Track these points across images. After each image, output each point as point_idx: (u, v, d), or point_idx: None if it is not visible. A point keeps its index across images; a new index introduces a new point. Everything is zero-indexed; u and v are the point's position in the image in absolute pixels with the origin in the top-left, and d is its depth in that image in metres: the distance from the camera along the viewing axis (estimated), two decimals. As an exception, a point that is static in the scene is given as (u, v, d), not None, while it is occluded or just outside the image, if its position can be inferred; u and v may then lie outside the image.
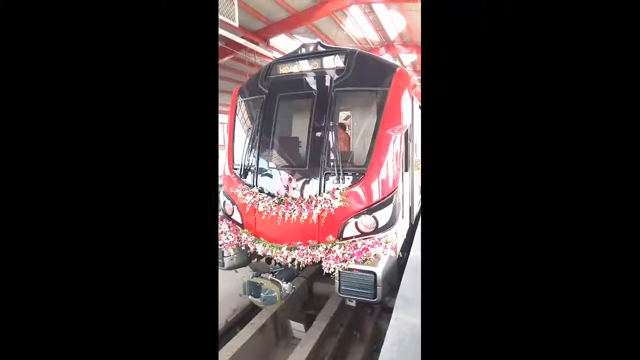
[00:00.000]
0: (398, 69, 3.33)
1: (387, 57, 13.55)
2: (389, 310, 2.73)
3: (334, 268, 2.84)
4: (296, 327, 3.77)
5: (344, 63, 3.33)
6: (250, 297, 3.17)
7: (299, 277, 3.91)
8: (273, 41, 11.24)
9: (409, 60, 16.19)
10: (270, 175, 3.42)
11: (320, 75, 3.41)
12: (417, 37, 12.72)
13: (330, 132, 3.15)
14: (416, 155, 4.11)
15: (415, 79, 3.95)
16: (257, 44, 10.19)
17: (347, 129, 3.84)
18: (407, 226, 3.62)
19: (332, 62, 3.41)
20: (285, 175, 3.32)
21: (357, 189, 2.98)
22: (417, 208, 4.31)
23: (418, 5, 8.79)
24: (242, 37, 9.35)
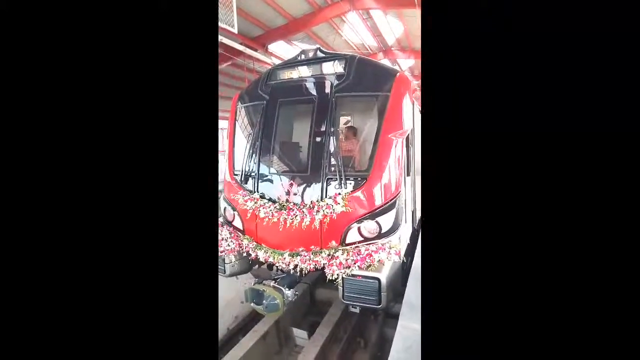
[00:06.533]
0: (398, 73, 3.34)
1: (385, 62, 13.64)
2: (394, 317, 2.69)
3: (337, 274, 2.81)
4: (299, 334, 3.73)
5: (344, 69, 3.34)
6: (252, 304, 3.13)
7: (301, 283, 3.87)
8: (271, 47, 11.31)
9: (407, 65, 16.31)
10: (271, 181, 3.40)
11: (320, 81, 3.41)
12: (415, 42, 12.82)
13: (331, 137, 3.14)
14: (418, 160, 4.10)
15: (415, 84, 3.96)
16: (255, 50, 10.25)
17: (356, 134, 3.74)
18: (410, 231, 3.60)
19: (332, 68, 3.42)
20: (286, 180, 3.31)
21: (360, 193, 2.96)
22: (419, 212, 4.29)
23: (415, 11, 8.89)
24: (241, 44, 9.40)
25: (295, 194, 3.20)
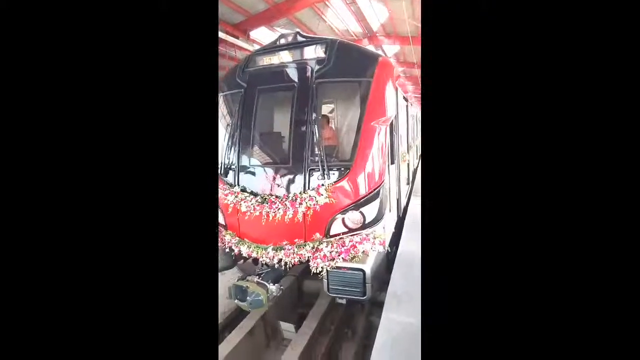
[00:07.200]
0: (381, 58, 3.22)
1: (370, 48, 13.44)
2: (380, 305, 2.67)
3: (322, 267, 2.75)
4: (286, 327, 3.68)
5: (325, 53, 3.20)
6: (236, 301, 3.05)
7: (288, 276, 3.81)
8: (254, 34, 10.92)
9: (392, 51, 16.13)
10: (253, 173, 3.28)
11: (300, 67, 3.27)
12: (400, 28, 12.64)
13: (313, 126, 3.03)
14: (401, 147, 4.05)
15: (399, 70, 3.87)
16: (237, 37, 9.87)
17: (330, 123, 3.73)
18: (395, 220, 3.56)
19: (313, 53, 3.27)
20: (268, 172, 3.19)
21: (343, 184, 2.88)
22: (404, 200, 4.27)
23: (400, -5, 8.70)
24: (222, 31, 9.02)
25: (278, 186, 3.09)
